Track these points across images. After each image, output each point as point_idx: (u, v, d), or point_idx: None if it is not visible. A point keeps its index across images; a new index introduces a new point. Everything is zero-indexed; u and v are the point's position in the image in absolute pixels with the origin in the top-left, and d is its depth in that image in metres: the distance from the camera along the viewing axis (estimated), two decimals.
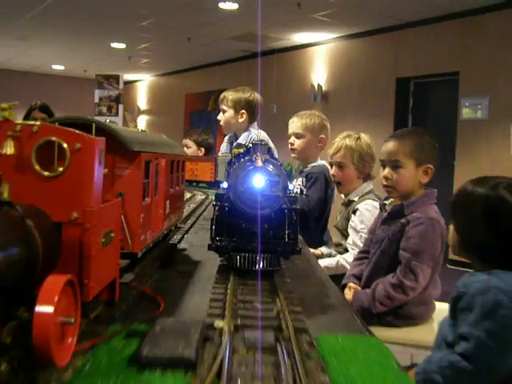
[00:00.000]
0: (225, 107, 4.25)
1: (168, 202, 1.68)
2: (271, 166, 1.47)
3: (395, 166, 2.54)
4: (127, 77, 15.69)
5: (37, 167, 0.90)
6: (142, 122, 16.80)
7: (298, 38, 9.64)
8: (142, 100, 17.06)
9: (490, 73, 7.27)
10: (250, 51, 10.91)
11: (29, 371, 0.71)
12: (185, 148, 4.84)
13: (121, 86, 9.76)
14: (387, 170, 2.56)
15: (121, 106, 9.34)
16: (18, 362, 0.67)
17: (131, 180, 1.26)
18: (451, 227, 1.96)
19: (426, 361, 1.75)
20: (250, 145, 1.65)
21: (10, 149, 0.90)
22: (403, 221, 2.45)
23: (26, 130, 0.90)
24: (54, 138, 0.91)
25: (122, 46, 10.75)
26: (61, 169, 0.91)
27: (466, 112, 7.42)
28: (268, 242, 1.47)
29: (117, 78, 9.91)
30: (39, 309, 0.67)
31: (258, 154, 1.53)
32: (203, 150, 5.17)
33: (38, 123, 0.92)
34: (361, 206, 3.04)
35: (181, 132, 14.23)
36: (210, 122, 13.77)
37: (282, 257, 1.49)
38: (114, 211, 1.08)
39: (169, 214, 1.72)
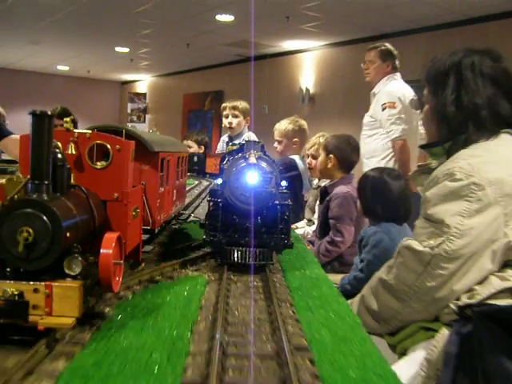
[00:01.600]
0: (238, 113, 4.83)
1: (175, 191, 1.91)
2: (264, 163, 1.47)
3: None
4: (128, 77, 15.80)
5: (89, 162, 1.22)
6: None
7: (288, 45, 9.84)
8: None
9: None
10: (244, 56, 11.11)
11: (97, 293, 1.03)
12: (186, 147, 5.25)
13: (147, 100, 11.15)
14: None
15: (147, 116, 10.34)
16: (89, 288, 0.98)
17: (151, 173, 1.50)
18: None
19: (344, 279, 2.70)
20: (244, 142, 1.65)
21: (71, 150, 1.21)
22: (328, 198, 3.31)
23: (82, 137, 1.20)
24: (101, 142, 1.22)
25: (126, 50, 10.97)
26: (106, 163, 1.23)
27: None
28: (261, 237, 1.45)
29: (144, 95, 11.69)
30: (103, 251, 0.98)
31: (252, 151, 1.52)
32: (203, 147, 5.61)
33: (89, 132, 1.25)
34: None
35: (178, 129, 14.35)
36: (205, 121, 13.88)
37: (275, 251, 1.48)
38: (139, 194, 1.39)
39: (175, 201, 1.94)
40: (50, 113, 0.94)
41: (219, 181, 1.53)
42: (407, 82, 4.71)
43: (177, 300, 1.18)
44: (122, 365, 0.82)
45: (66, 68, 14.57)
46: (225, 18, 7.92)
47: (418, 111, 3.87)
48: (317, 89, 9.89)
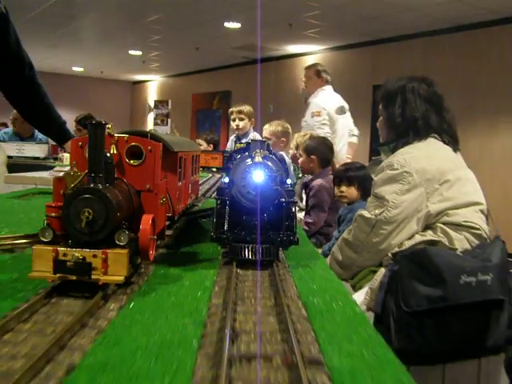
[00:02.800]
0: (243, 116, 5.62)
1: (190, 185, 2.12)
2: (270, 162, 1.46)
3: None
4: (138, 77, 16.05)
5: (127, 160, 1.48)
6: (153, 118, 17.13)
7: (292, 49, 10.12)
8: (152, 98, 17.41)
9: (445, 83, 7.82)
10: (251, 58, 11.45)
11: (135, 261, 1.29)
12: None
13: (169, 106, 13.06)
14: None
15: (169, 120, 12.71)
16: (131, 257, 1.24)
17: (172, 169, 1.70)
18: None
19: (325, 247, 3.39)
20: (250, 141, 1.65)
21: (113, 150, 1.47)
22: (308, 190, 4.00)
23: (121, 140, 1.44)
24: (136, 144, 1.49)
25: (139, 53, 11.25)
26: (140, 161, 1.48)
27: None
28: (267, 234, 1.45)
29: (167, 102, 13.22)
30: (143, 227, 1.24)
31: (258, 150, 1.51)
32: (212, 146, 6.22)
33: (127, 136, 1.50)
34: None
35: (187, 127, 14.59)
36: (214, 119, 14.06)
37: (281, 247, 1.48)
38: (164, 186, 1.65)
39: (190, 194, 2.14)
40: (104, 122, 1.20)
41: (226, 179, 1.52)
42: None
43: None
44: (165, 306, 1.09)
45: (81, 69, 14.84)
46: (232, 25, 8.22)
47: (342, 115, 5.70)
48: None
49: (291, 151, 4.98)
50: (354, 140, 5.93)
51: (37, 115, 3.32)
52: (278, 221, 1.46)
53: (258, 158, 1.44)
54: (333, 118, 5.63)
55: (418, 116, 2.38)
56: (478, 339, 1.86)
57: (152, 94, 17.53)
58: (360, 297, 2.11)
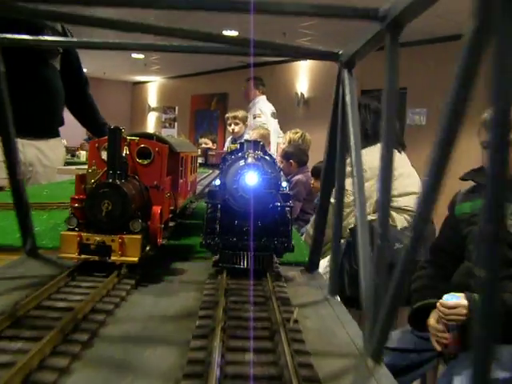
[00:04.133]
0: (238, 121, 6.51)
1: (189, 182, 2.24)
2: (264, 163, 1.35)
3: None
4: (139, 78, 16.16)
5: (137, 159, 1.64)
6: (152, 118, 17.22)
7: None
8: (152, 99, 17.47)
9: (428, 90, 8.09)
10: (247, 62, 11.52)
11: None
12: (203, 144, 7.08)
13: (176, 112, 14.07)
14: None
15: (176, 123, 13.74)
16: (143, 242, 1.41)
17: (175, 168, 1.81)
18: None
19: (303, 228, 3.97)
20: (243, 141, 1.57)
21: (125, 151, 1.64)
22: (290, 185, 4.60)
23: (133, 142, 1.60)
24: (145, 145, 1.65)
25: (141, 56, 11.38)
26: (149, 161, 1.65)
27: (410, 119, 8.36)
28: (261, 240, 1.32)
29: (174, 108, 14.18)
30: (152, 217, 1.42)
31: (251, 151, 1.40)
32: (215, 144, 6.88)
33: (137, 138, 1.67)
34: None
35: (186, 127, 14.72)
36: (212, 120, 14.23)
37: (275, 254, 1.36)
38: (169, 183, 1.81)
39: (189, 191, 2.27)
40: (121, 127, 1.37)
41: (218, 182, 1.42)
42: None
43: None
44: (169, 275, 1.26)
45: (85, 70, 14.92)
46: (230, 33, 8.37)
47: (276, 120, 6.99)
48: (310, 94, 10.31)
49: (283, 146, 5.71)
50: (280, 140, 6.84)
51: (86, 118, 4.14)
52: (273, 226, 1.35)
53: (251, 159, 1.32)
54: (269, 121, 6.83)
55: (368, 127, 3.03)
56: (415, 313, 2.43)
57: (152, 94, 17.64)
58: (324, 264, 2.59)
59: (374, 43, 0.99)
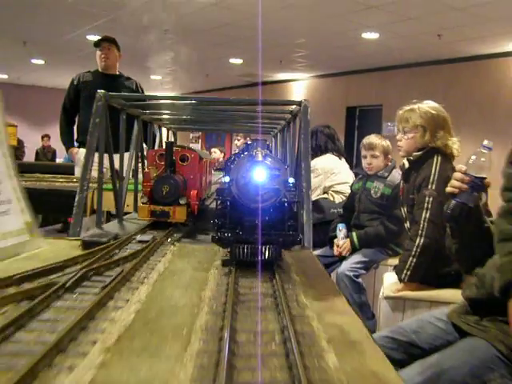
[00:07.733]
0: (240, 137, 6.91)
1: (207, 181, 2.60)
2: (271, 160, 1.29)
3: None
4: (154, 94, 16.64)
5: (179, 161, 2.31)
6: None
7: (283, 76, 11.02)
8: None
9: (400, 105, 8.71)
10: (251, 82, 12.21)
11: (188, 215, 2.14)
12: (213, 153, 7.34)
13: (200, 132, 14.92)
14: None
15: (200, 139, 15.26)
16: (187, 211, 2.09)
17: (200, 169, 2.31)
18: None
19: None
20: (249, 141, 1.56)
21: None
22: None
23: (176, 151, 2.27)
24: (184, 153, 2.31)
25: (159, 77, 11.93)
26: (186, 163, 2.31)
27: (385, 130, 9.00)
28: (269, 234, 1.27)
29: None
30: (192, 194, 2.10)
31: (259, 148, 1.33)
32: (223, 154, 7.56)
33: (179, 148, 2.34)
34: None
35: (199, 140, 15.27)
36: (219, 134, 14.56)
37: (283, 247, 1.31)
38: (198, 178, 2.48)
39: (205, 188, 2.53)
40: (173, 141, 2.06)
41: (226, 178, 1.38)
42: (370, 105, 6.40)
43: None
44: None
45: None
46: (236, 61, 9.28)
47: None
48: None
49: None
50: None
51: None
52: (280, 221, 1.31)
53: (259, 157, 1.27)
54: None
55: (321, 144, 4.30)
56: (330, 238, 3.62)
57: None
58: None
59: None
